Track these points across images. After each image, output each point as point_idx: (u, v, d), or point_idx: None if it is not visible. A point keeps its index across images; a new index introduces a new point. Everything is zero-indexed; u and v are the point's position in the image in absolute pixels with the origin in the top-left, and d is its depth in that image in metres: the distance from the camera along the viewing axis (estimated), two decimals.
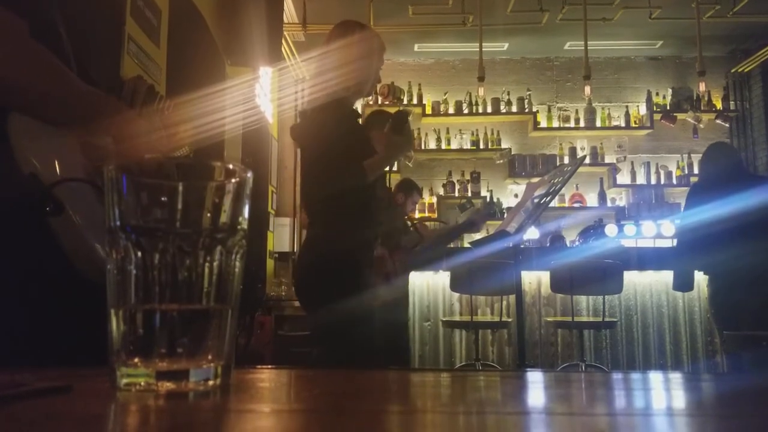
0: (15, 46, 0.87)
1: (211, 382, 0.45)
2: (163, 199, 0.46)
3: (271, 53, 4.87)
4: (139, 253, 0.45)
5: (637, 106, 6.89)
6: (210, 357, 0.46)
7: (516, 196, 6.63)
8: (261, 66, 5.03)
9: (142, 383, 0.44)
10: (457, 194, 6.74)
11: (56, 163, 0.87)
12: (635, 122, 6.83)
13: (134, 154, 0.96)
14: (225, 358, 0.46)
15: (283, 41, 5.36)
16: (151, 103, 1.41)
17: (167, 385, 0.44)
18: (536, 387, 0.57)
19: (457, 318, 4.45)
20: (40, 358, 0.56)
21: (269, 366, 0.64)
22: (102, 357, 0.45)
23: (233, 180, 0.47)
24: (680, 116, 6.65)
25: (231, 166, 0.47)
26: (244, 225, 0.48)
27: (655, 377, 0.64)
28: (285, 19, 5.29)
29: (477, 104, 6.79)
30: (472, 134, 6.87)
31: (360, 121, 2.41)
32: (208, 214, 0.46)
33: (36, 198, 0.82)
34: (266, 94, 5.44)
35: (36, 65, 0.89)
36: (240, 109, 4.72)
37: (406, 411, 0.44)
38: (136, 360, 0.44)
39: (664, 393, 0.55)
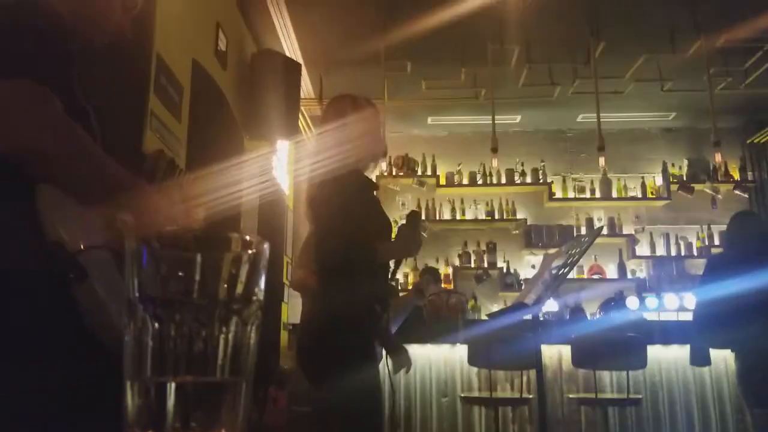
0: (52, 119, 0.90)
1: None
2: (180, 270, 0.45)
3: (288, 127, 4.99)
4: (156, 325, 0.44)
5: (653, 177, 6.91)
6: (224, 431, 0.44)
7: (533, 267, 6.57)
8: (278, 140, 5.15)
9: None
10: (473, 265, 6.70)
11: (80, 232, 0.88)
12: (652, 193, 6.83)
13: (152, 228, 0.97)
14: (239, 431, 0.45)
15: (300, 115, 5.50)
16: (172, 176, 1.44)
17: None
18: None
19: (475, 394, 4.33)
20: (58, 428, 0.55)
21: None
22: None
23: (250, 251, 0.47)
24: (698, 187, 6.64)
25: (248, 237, 0.47)
26: (260, 296, 0.48)
27: None
28: (302, 95, 5.45)
29: (491, 175, 6.85)
30: (487, 204, 6.90)
31: (375, 191, 2.45)
32: (225, 285, 0.46)
33: (61, 264, 0.83)
34: (283, 166, 5.54)
35: (71, 139, 0.92)
36: (257, 181, 4.80)
37: None
38: None
39: None
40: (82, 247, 0.87)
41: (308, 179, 2.43)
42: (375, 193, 2.44)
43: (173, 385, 0.44)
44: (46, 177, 0.90)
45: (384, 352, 2.54)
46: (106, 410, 0.60)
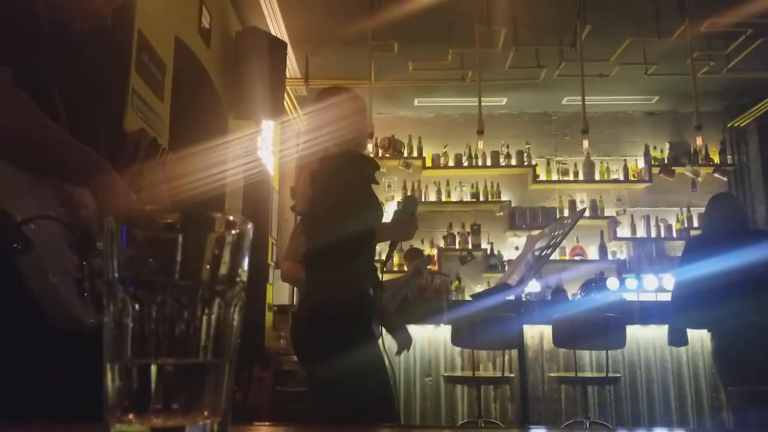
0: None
1: None
2: (162, 250, 0.45)
3: (273, 107, 4.95)
4: (137, 306, 0.44)
5: (636, 159, 6.97)
6: (206, 413, 0.44)
7: (517, 248, 6.62)
8: (263, 119, 5.11)
9: None
10: (457, 246, 6.73)
11: (30, 204, 0.87)
12: (634, 176, 6.89)
13: (117, 209, 0.96)
14: (222, 414, 0.45)
15: (286, 95, 5.46)
16: (154, 156, 1.43)
17: None
18: None
19: (459, 373, 4.38)
20: (23, 411, 0.55)
21: (266, 423, 0.63)
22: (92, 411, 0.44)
23: (233, 231, 0.47)
24: (678, 170, 6.73)
25: (231, 218, 0.47)
26: (244, 277, 0.48)
27: None
28: (288, 74, 5.40)
29: (477, 157, 6.87)
30: (472, 187, 6.92)
31: (376, 170, 2.44)
32: (208, 266, 0.46)
33: (4, 234, 0.81)
34: (268, 146, 5.50)
35: (14, 110, 0.90)
36: (242, 161, 4.77)
37: None
38: (130, 416, 0.43)
39: None
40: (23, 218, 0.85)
41: (297, 160, 2.42)
42: (375, 173, 2.42)
43: (155, 366, 0.44)
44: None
45: (382, 332, 2.55)
46: (50, 380, 0.60)
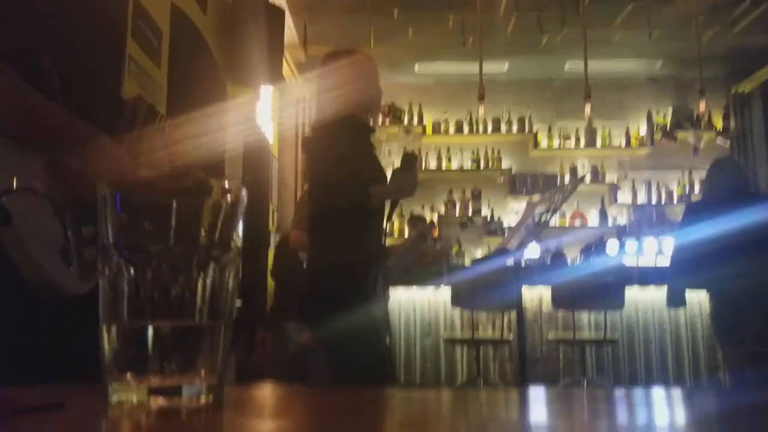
0: None
1: (203, 399, 0.45)
2: (156, 216, 0.46)
3: (272, 73, 4.90)
4: (132, 270, 0.45)
5: (638, 125, 6.92)
6: (202, 373, 0.46)
7: (517, 214, 6.63)
8: (262, 85, 5.07)
9: (134, 400, 0.44)
10: (458, 213, 6.74)
11: (9, 174, 0.87)
12: (636, 141, 6.85)
13: (108, 176, 0.96)
14: (217, 374, 0.46)
15: (284, 61, 5.40)
16: (152, 122, 1.42)
17: (159, 402, 0.44)
18: (537, 404, 0.57)
19: (458, 335, 4.43)
20: (28, 374, 0.56)
21: (267, 382, 0.64)
22: (89, 372, 0.46)
23: (227, 197, 0.48)
24: (681, 135, 6.68)
25: (225, 184, 0.48)
26: (238, 242, 0.49)
27: (657, 393, 0.64)
28: (286, 40, 5.33)
29: (477, 123, 6.82)
30: (473, 153, 6.89)
31: (372, 137, 2.43)
32: (202, 232, 0.47)
33: None
34: (267, 113, 5.47)
35: None
36: (241, 128, 4.75)
37: (403, 427, 0.44)
38: (128, 377, 0.44)
39: (666, 409, 0.54)
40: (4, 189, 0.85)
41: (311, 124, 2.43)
42: (371, 138, 2.40)
43: (151, 328, 0.45)
44: None
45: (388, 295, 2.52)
46: (36, 351, 0.61)
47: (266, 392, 0.60)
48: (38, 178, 0.91)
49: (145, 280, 0.45)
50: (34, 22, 1.00)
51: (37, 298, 0.86)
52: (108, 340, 0.45)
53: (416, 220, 5.07)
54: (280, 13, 4.94)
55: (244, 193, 0.48)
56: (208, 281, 0.46)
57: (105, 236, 0.46)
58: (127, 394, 0.44)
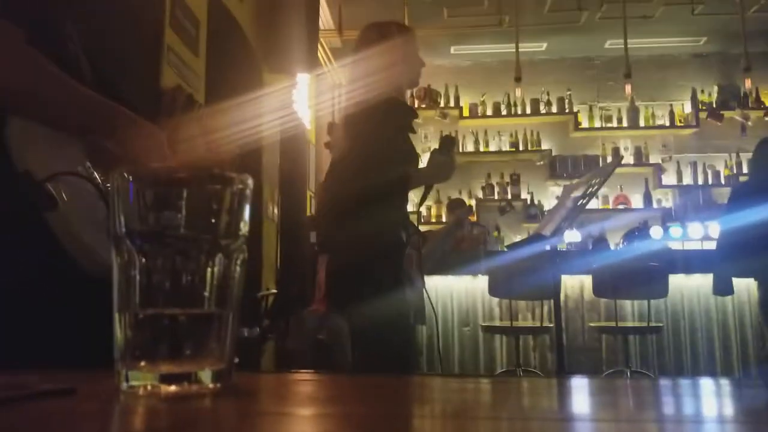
0: (7, 51, 0.89)
1: (212, 385, 0.46)
2: (167, 205, 0.47)
3: (308, 60, 4.92)
4: (143, 259, 0.46)
5: (682, 104, 6.71)
6: (212, 360, 0.46)
7: (557, 198, 6.53)
8: (298, 72, 5.09)
9: (147, 386, 0.45)
10: (496, 197, 6.67)
11: (54, 162, 0.89)
12: (680, 121, 6.65)
13: (147, 159, 0.98)
14: (227, 361, 0.47)
15: (320, 47, 5.41)
16: (190, 111, 1.44)
17: (170, 388, 0.45)
18: (579, 393, 0.56)
19: (497, 323, 4.40)
20: (44, 358, 0.58)
21: (297, 369, 0.65)
22: (108, 358, 0.47)
23: (234, 186, 0.48)
24: (727, 114, 6.44)
25: (232, 174, 0.48)
26: (245, 231, 0.49)
27: (705, 384, 0.62)
28: (321, 26, 5.34)
29: (516, 105, 6.72)
30: (511, 136, 6.80)
31: (415, 123, 2.39)
32: (211, 220, 0.47)
33: (29, 193, 0.84)
34: (304, 100, 5.50)
35: (30, 70, 0.91)
36: (278, 115, 4.78)
37: (429, 416, 0.44)
38: (140, 363, 0.45)
39: (714, 400, 0.53)
40: (48, 175, 0.87)
41: (342, 110, 2.41)
42: (413, 123, 2.37)
43: (161, 316, 0.46)
44: (15, 112, 0.89)
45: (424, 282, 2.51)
46: (94, 338, 0.62)
47: (283, 379, 0.60)
48: (79, 162, 0.94)
49: (155, 269, 0.46)
50: (71, 13, 1.02)
51: (72, 281, 0.87)
52: (120, 327, 0.46)
53: (455, 204, 5.04)
54: None
55: (250, 182, 0.49)
56: (216, 269, 0.47)
57: (117, 225, 0.47)
58: (139, 380, 0.45)
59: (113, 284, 0.47)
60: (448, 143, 2.38)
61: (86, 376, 0.51)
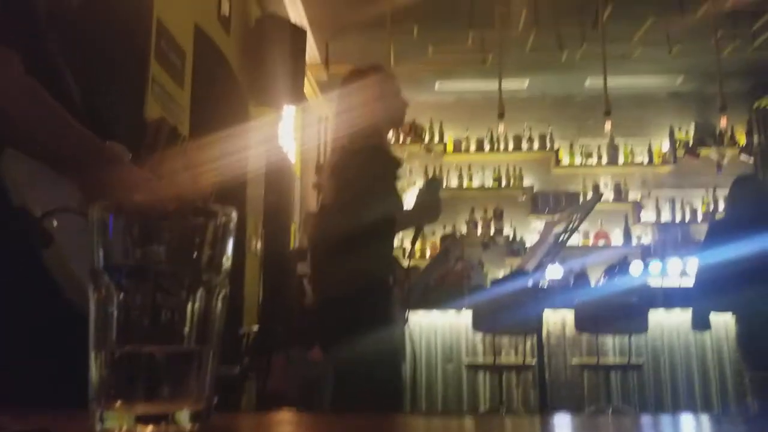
0: (9, 81, 0.89)
1: (190, 426, 0.45)
2: (147, 239, 0.46)
3: (294, 93, 4.95)
4: (122, 294, 0.45)
5: (660, 141, 6.84)
6: (191, 400, 0.45)
7: (539, 233, 6.57)
8: (284, 105, 5.12)
9: (122, 427, 0.43)
10: (480, 232, 6.70)
11: (49, 196, 0.88)
12: (659, 158, 6.77)
13: (124, 198, 0.97)
14: (206, 400, 0.46)
15: (306, 81, 5.46)
16: (174, 144, 1.44)
17: (147, 429, 0.43)
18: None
19: (480, 360, 4.37)
20: (24, 395, 0.56)
21: (279, 409, 0.63)
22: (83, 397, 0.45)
23: (217, 220, 0.47)
24: (703, 151, 6.59)
25: (214, 207, 0.47)
26: (228, 265, 0.48)
27: (685, 420, 0.62)
28: (307, 59, 5.39)
29: (498, 141, 6.80)
30: (494, 171, 6.87)
31: (399, 171, 2.41)
32: (192, 255, 0.46)
33: (25, 229, 0.82)
34: (289, 133, 5.52)
35: (24, 98, 0.91)
36: (263, 148, 4.79)
37: None
38: (116, 403, 0.44)
39: None
40: (44, 211, 0.86)
41: (329, 152, 2.42)
42: (398, 171, 2.39)
43: (139, 354, 0.44)
44: (8, 141, 0.88)
45: (407, 317, 2.51)
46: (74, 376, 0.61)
47: (255, 419, 0.59)
48: (72, 197, 0.92)
49: (134, 305, 0.45)
50: (58, 44, 1.02)
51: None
52: (96, 365, 0.45)
53: (447, 238, 5.07)
54: (302, 33, 5.00)
55: (234, 215, 0.48)
56: (197, 305, 0.46)
57: (96, 260, 0.46)
58: (114, 420, 0.43)
59: (89, 321, 0.46)
60: (435, 185, 2.42)
61: (60, 416, 0.49)
